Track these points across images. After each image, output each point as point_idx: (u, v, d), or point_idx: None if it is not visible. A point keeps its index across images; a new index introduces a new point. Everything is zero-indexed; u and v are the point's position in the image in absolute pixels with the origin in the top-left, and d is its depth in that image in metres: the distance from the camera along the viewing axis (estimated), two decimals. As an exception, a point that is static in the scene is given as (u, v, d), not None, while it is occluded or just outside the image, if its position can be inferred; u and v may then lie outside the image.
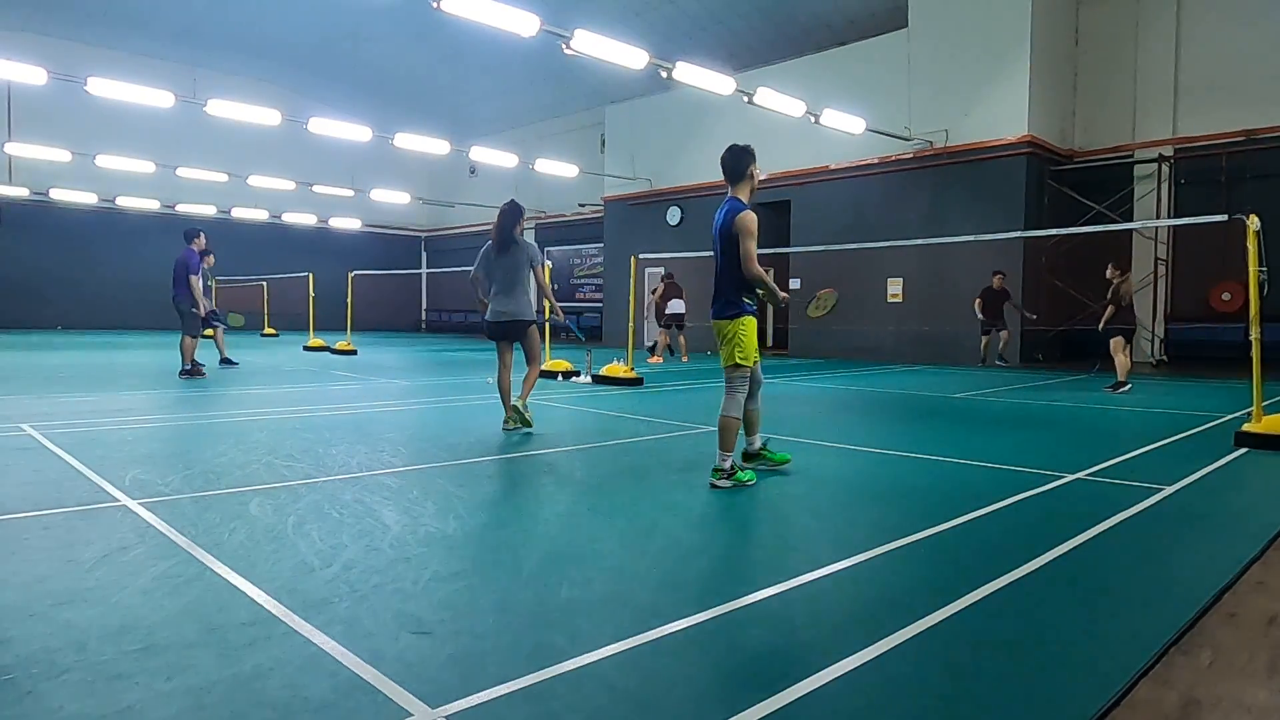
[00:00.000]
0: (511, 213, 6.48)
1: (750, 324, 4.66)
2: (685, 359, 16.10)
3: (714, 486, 4.51)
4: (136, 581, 2.83)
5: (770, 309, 14.22)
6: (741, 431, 4.72)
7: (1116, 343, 10.04)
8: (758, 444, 5.03)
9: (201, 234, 11.15)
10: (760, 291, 4.70)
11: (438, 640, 2.40)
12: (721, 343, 4.70)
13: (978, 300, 14.53)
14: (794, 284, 19.29)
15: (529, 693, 2.05)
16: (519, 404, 6.48)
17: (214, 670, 2.15)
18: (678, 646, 2.36)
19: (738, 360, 4.62)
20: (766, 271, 4.63)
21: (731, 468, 4.56)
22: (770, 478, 4.85)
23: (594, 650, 2.29)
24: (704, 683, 2.14)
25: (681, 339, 16.26)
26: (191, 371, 10.69)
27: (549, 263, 6.57)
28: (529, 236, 29.25)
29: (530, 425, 6.49)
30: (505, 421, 6.45)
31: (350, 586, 2.83)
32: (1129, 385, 10.09)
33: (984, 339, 14.80)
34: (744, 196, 4.70)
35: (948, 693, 2.11)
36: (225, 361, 12.39)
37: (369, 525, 3.65)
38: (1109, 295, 10.12)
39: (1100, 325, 10.17)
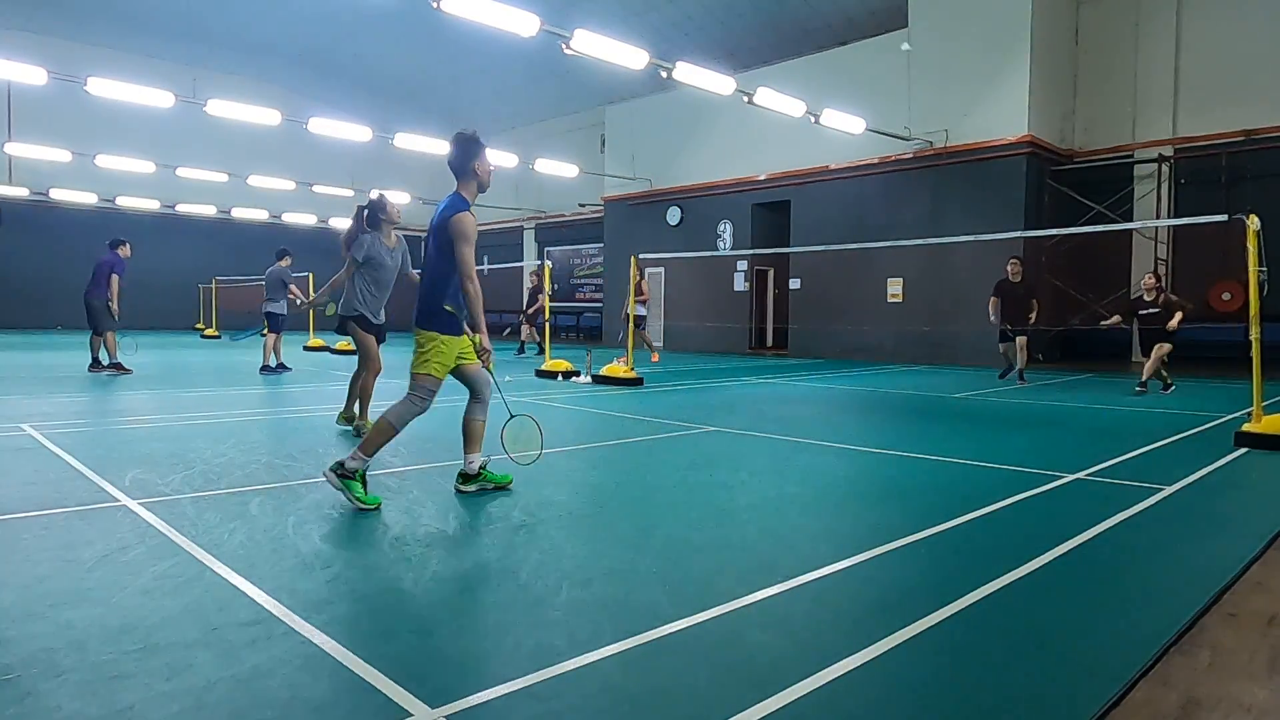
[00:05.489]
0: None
1: (450, 343, 4.13)
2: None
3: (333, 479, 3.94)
4: (136, 581, 2.83)
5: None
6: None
7: (1164, 348, 9.95)
8: (476, 465, 4.33)
9: (127, 243, 11.07)
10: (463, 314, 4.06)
11: (438, 640, 2.40)
12: (417, 350, 4.16)
13: (993, 300, 11.59)
14: (794, 284, 19.31)
15: (529, 693, 2.05)
16: (350, 411, 6.58)
17: (214, 670, 2.15)
18: (678, 646, 2.36)
19: (433, 371, 4.08)
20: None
21: (353, 471, 3.93)
22: (770, 479, 4.86)
23: (594, 650, 2.29)
24: (704, 683, 2.13)
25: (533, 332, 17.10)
26: (116, 367, 10.89)
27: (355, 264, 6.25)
28: (529, 237, 29.36)
29: (355, 430, 6.26)
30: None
31: (350, 586, 2.83)
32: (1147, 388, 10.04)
33: (1002, 346, 11.83)
34: (469, 195, 4.17)
35: (947, 693, 2.11)
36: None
37: (369, 525, 3.65)
38: (1170, 304, 9.86)
39: (1174, 324, 9.80)
